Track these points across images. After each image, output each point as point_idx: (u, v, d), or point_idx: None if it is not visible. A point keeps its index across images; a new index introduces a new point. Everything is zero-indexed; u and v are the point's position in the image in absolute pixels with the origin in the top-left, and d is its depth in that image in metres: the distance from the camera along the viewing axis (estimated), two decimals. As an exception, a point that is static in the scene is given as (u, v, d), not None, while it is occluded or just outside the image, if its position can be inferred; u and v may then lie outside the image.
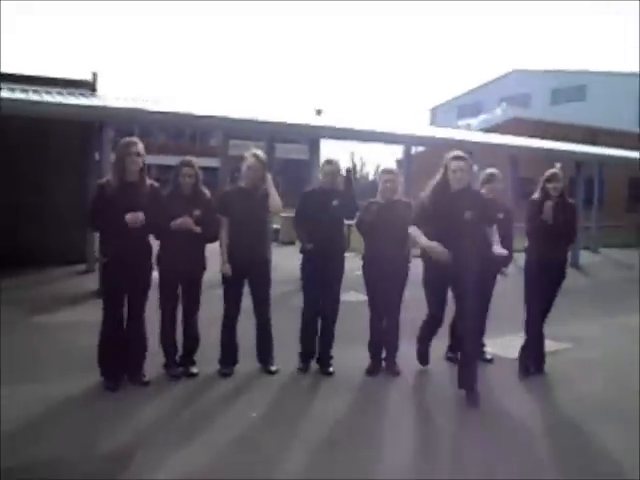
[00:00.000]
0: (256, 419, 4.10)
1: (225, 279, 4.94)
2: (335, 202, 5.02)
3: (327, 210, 5.02)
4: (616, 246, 16.50)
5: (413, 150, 13.95)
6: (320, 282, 5.09)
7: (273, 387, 4.75)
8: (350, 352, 5.36)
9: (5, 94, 8.69)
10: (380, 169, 5.59)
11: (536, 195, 5.17)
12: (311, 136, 11.12)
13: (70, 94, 9.90)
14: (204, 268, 4.92)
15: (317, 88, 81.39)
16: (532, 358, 5.25)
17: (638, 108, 30.36)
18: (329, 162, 5.21)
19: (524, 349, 5.28)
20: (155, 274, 4.74)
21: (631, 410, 4.38)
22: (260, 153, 5.01)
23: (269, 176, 5.00)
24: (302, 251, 5.22)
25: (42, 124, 9.35)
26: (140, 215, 4.36)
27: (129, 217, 4.32)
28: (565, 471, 3.51)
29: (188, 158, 4.88)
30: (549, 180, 5.08)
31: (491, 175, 5.46)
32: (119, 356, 4.58)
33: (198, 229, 4.68)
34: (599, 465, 3.60)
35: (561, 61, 64.61)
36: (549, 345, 5.46)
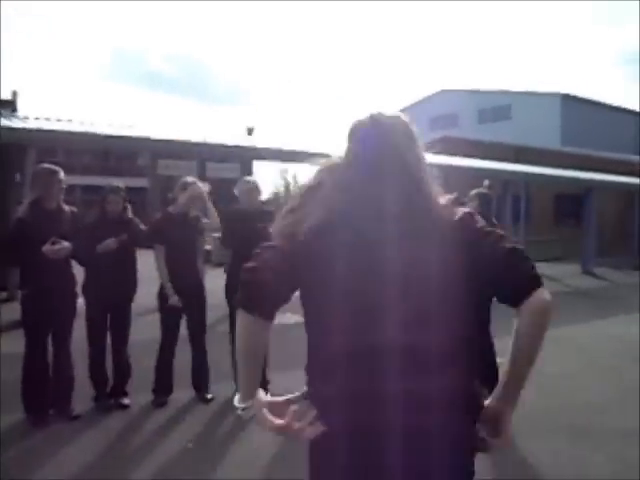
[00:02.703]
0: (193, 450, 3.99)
1: (163, 307, 4.82)
2: (260, 225, 4.98)
3: (255, 232, 4.95)
4: (544, 260, 17.14)
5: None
6: None
7: (208, 416, 4.63)
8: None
9: None
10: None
11: None
12: (243, 157, 11.12)
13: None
14: (134, 293, 4.79)
15: (247, 104, 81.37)
16: None
17: (560, 126, 31.85)
18: (247, 182, 5.21)
19: None
20: (80, 302, 4.55)
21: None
22: (196, 181, 5.00)
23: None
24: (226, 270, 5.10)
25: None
26: (64, 246, 4.17)
27: (47, 249, 4.12)
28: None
29: (115, 185, 4.77)
30: (471, 200, 5.19)
31: None
32: (44, 390, 4.36)
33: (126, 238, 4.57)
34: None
35: (487, 81, 67.38)
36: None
